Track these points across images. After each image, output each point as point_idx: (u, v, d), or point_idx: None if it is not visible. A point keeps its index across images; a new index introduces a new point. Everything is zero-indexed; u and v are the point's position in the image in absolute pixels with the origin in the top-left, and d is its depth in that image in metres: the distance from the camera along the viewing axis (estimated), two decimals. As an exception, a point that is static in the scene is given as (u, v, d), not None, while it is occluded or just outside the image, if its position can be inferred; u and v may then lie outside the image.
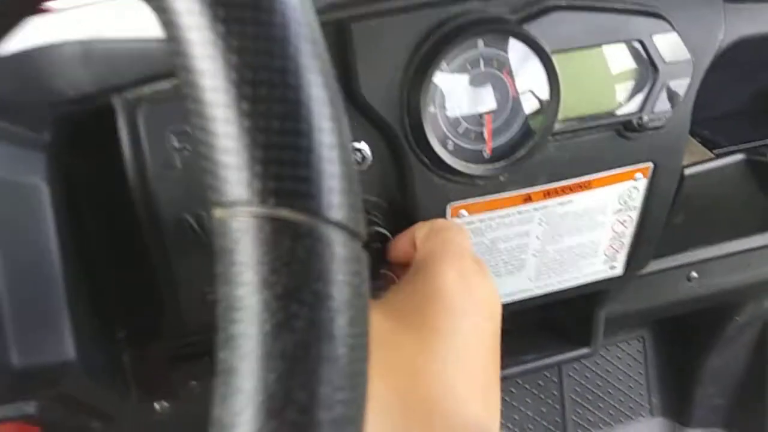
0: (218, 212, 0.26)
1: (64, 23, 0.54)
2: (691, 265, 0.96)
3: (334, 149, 0.27)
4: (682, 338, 1.28)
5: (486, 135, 0.63)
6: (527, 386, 1.21)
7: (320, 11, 0.53)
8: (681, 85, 0.65)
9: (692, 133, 0.85)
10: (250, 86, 0.25)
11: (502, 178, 0.65)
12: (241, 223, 0.26)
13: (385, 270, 0.63)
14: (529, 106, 0.63)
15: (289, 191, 0.26)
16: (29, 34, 0.51)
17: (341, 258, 0.27)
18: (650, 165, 0.69)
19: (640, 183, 0.70)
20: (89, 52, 0.52)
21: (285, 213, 0.25)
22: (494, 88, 0.61)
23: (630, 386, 1.31)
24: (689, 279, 0.98)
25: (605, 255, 0.75)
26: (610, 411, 1.30)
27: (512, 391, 1.20)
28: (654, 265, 0.93)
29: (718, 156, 0.78)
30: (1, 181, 0.50)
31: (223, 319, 0.26)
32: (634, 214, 0.73)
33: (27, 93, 0.52)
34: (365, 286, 0.28)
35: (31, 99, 0.52)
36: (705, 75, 0.67)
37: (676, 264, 0.95)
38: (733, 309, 1.16)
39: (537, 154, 0.64)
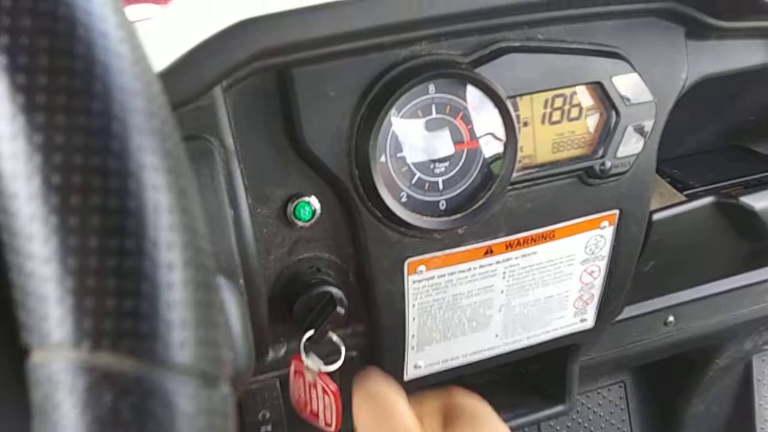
0: (31, 356, 0.20)
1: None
2: (667, 310, 0.93)
3: (180, 270, 0.21)
4: (664, 382, 1.24)
5: (441, 185, 0.59)
6: (504, 441, 1.15)
7: (260, 56, 0.49)
8: (644, 128, 0.62)
9: (662, 173, 0.82)
10: (61, 195, 0.20)
11: (460, 231, 0.61)
12: (54, 373, 0.20)
13: None
14: (488, 152, 0.59)
15: (111, 330, 0.20)
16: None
17: (187, 414, 0.20)
18: (616, 212, 0.66)
19: (607, 231, 0.67)
20: None
21: (105, 359, 0.20)
22: (449, 135, 0.58)
23: (612, 434, 1.26)
24: (666, 324, 0.94)
25: (575, 307, 0.71)
26: (593, 461, 1.25)
27: (489, 447, 1.14)
28: (629, 311, 0.89)
29: (689, 197, 0.75)
30: None
31: None
32: (603, 264, 0.69)
33: None
34: None
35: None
36: (672, 113, 0.64)
37: (652, 309, 0.92)
38: (713, 352, 1.12)
39: (496, 205, 0.60)
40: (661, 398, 1.25)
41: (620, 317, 0.87)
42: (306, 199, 0.57)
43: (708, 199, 0.72)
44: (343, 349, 0.61)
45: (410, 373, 0.68)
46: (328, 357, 0.62)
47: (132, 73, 0.22)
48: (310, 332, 0.58)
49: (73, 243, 0.20)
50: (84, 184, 0.20)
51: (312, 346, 0.60)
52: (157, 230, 0.21)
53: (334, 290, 0.59)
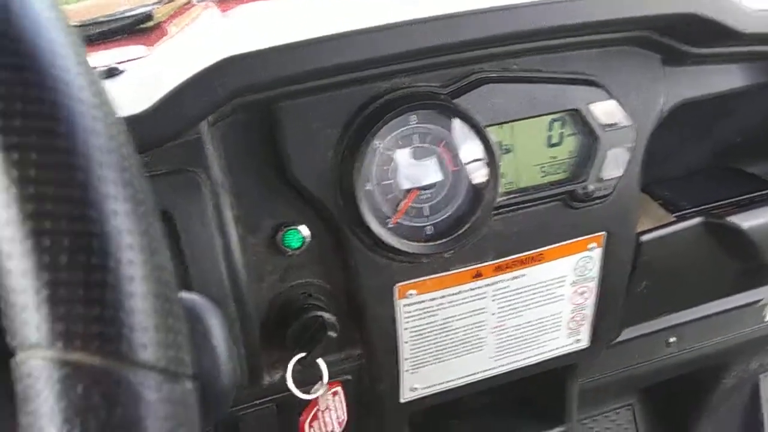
0: (15, 356, 0.24)
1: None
2: (669, 330, 0.94)
3: (139, 282, 0.25)
4: (671, 404, 1.24)
5: (427, 211, 0.61)
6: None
7: (243, 92, 0.52)
8: (625, 152, 0.63)
9: (653, 195, 0.83)
10: (35, 220, 0.23)
11: (447, 255, 0.63)
12: (33, 369, 0.23)
13: None
14: (472, 179, 0.61)
15: (80, 333, 0.23)
16: None
17: (151, 403, 0.24)
18: (602, 234, 0.67)
19: (595, 253, 0.68)
20: None
21: (76, 356, 0.23)
22: (433, 163, 0.60)
23: (623, 458, 1.26)
24: (668, 344, 0.95)
25: (568, 328, 0.73)
26: (605, 486, 1.24)
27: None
28: (630, 332, 0.90)
29: (679, 218, 0.76)
30: None
31: None
32: (593, 285, 0.70)
33: None
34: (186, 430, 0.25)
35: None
36: (660, 135, 0.66)
37: (653, 330, 0.92)
38: (719, 372, 1.12)
39: (481, 230, 0.62)
40: (670, 420, 1.24)
41: (621, 338, 0.88)
42: (295, 227, 0.59)
43: (696, 220, 0.74)
44: (325, 376, 0.63)
45: (406, 395, 0.70)
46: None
47: (93, 116, 0.25)
48: (299, 356, 0.60)
49: (46, 260, 0.23)
50: (53, 211, 0.24)
51: (305, 370, 0.61)
52: (119, 249, 0.24)
53: (326, 315, 0.60)
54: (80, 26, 0.74)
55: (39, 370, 0.23)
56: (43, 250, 0.23)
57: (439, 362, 0.69)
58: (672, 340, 0.94)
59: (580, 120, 0.62)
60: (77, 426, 0.23)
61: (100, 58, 0.69)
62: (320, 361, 0.63)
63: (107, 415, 0.23)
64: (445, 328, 0.67)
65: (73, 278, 0.23)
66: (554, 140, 0.62)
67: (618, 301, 0.73)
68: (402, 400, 0.70)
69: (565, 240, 0.67)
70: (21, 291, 0.23)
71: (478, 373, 0.72)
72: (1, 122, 0.24)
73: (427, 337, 0.67)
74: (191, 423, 0.26)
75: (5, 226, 0.23)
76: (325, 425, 0.67)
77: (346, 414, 0.69)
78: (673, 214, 0.80)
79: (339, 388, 0.67)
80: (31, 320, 0.23)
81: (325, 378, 0.63)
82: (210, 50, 0.52)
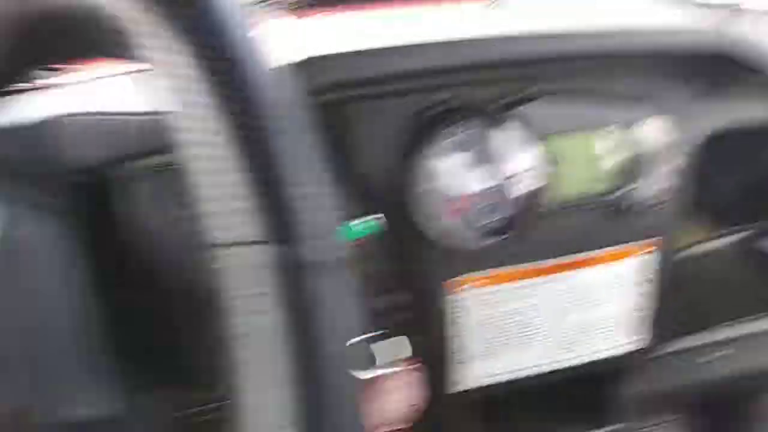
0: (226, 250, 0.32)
1: (72, 95, 0.58)
2: (715, 345, 0.93)
3: (319, 198, 0.34)
4: (720, 422, 1.22)
5: (480, 214, 0.65)
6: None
7: (320, 91, 0.57)
8: (672, 167, 0.66)
9: (694, 217, 0.85)
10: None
11: (500, 254, 0.67)
12: (245, 258, 0.32)
13: None
14: (522, 187, 0.65)
15: (279, 229, 0.32)
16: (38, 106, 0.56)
17: (326, 285, 0.33)
18: (650, 242, 0.70)
19: (644, 260, 0.72)
20: (94, 125, 0.55)
21: (276, 249, 0.32)
22: (486, 169, 0.65)
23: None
24: (711, 360, 0.95)
25: (620, 331, 0.76)
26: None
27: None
28: (676, 345, 0.90)
29: (719, 236, 0.79)
30: (17, 240, 0.53)
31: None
32: (642, 291, 0.73)
33: (40, 162, 0.55)
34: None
35: (45, 168, 0.55)
36: (705, 159, 0.69)
37: (699, 343, 0.93)
38: (758, 395, 1.11)
39: (533, 231, 0.66)
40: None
41: (667, 350, 0.88)
42: (355, 220, 0.64)
43: (734, 239, 0.76)
44: (380, 359, 0.66)
45: (455, 387, 0.74)
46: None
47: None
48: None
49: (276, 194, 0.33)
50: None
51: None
52: (307, 180, 0.34)
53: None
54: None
55: (250, 259, 0.32)
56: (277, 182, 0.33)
57: (489, 357, 0.73)
58: (717, 354, 0.94)
59: (628, 137, 0.65)
60: (277, 301, 0.32)
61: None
62: (375, 345, 0.66)
63: (298, 294, 0.32)
64: (495, 324, 0.71)
65: (291, 195, 0.33)
66: (606, 152, 0.66)
67: (668, 308, 0.76)
68: (449, 392, 0.74)
69: (613, 246, 0.71)
70: (243, 199, 0.32)
71: (527, 369, 0.75)
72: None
73: (478, 332, 0.71)
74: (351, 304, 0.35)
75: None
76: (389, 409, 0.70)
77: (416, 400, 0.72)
78: (714, 234, 0.81)
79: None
80: (250, 222, 0.32)
81: (379, 361, 0.66)
82: (290, 49, 0.57)
